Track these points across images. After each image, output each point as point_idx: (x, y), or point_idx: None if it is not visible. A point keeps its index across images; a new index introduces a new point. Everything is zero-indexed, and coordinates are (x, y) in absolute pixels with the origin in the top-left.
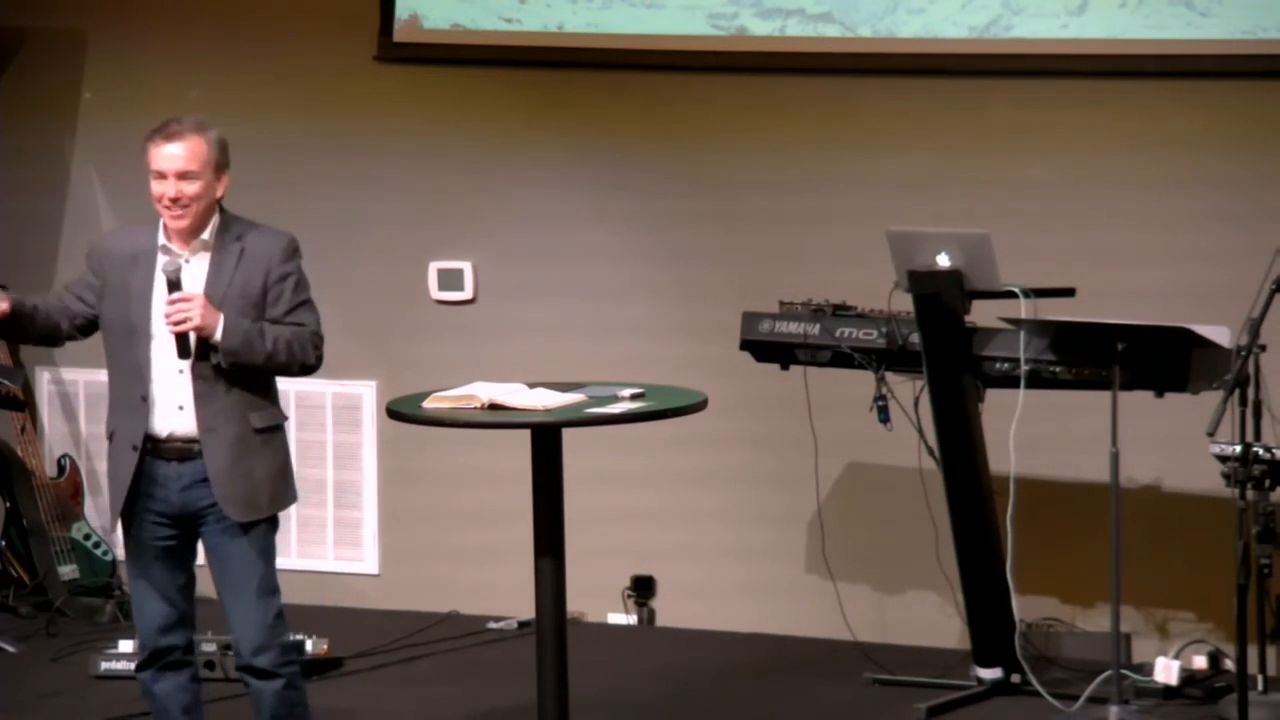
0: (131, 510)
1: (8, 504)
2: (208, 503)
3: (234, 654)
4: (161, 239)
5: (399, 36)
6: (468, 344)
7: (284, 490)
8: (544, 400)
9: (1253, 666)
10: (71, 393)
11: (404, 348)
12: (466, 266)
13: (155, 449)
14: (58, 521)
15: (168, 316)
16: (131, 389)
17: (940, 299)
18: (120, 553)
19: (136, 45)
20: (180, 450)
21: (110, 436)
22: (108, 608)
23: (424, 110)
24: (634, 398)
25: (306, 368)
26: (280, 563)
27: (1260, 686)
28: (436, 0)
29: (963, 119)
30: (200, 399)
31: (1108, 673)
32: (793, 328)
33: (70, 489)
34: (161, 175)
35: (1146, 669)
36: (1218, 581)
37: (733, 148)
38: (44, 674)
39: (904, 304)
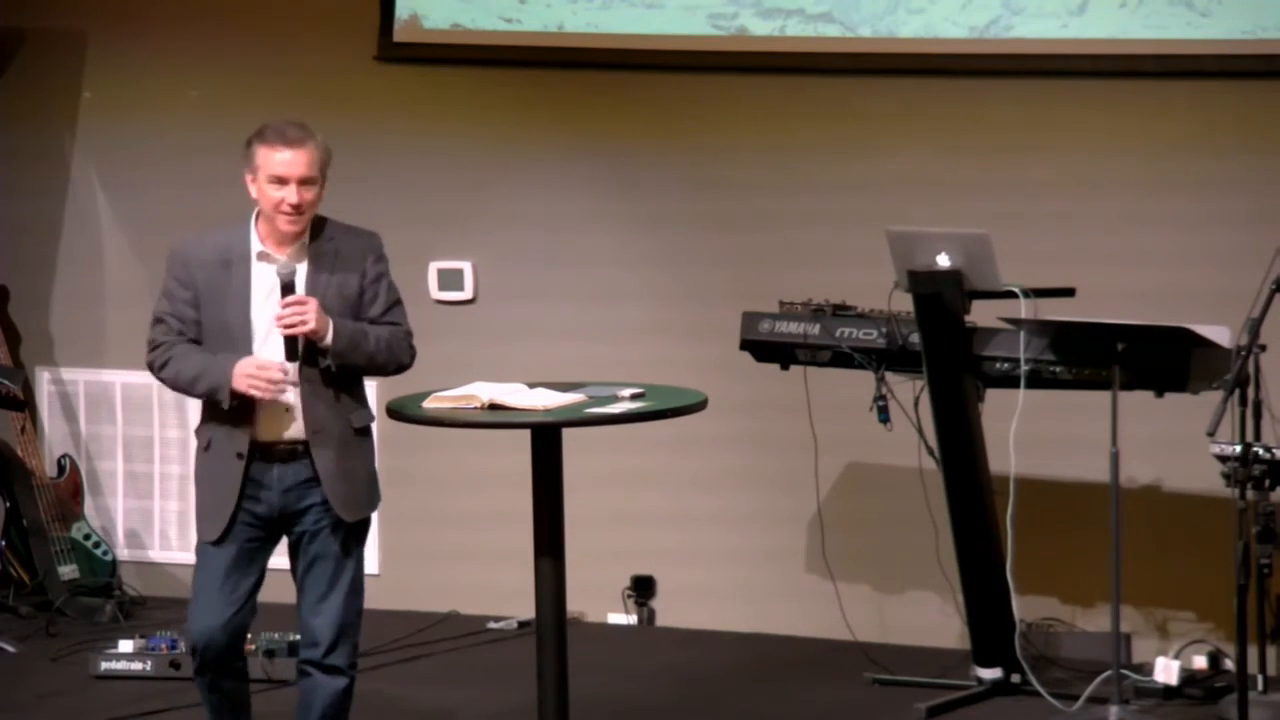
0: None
1: (8, 504)
2: (308, 503)
3: (304, 655)
4: (256, 244)
5: (399, 36)
6: (468, 344)
7: (375, 491)
8: (544, 400)
9: (1253, 666)
10: (71, 393)
11: None
12: (466, 266)
13: (261, 453)
14: (58, 521)
15: (280, 319)
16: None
17: (940, 299)
18: (121, 553)
19: (136, 45)
20: (285, 453)
21: (207, 445)
22: (108, 608)
23: (424, 110)
24: (634, 398)
25: (402, 367)
26: (279, 562)
27: (1260, 686)
28: (436, 0)
29: (963, 119)
30: (307, 401)
31: (1108, 673)
32: (793, 328)
33: (70, 489)
34: (282, 181)
35: (1146, 669)
36: (1218, 581)
37: (732, 147)
38: (44, 674)
39: (904, 304)
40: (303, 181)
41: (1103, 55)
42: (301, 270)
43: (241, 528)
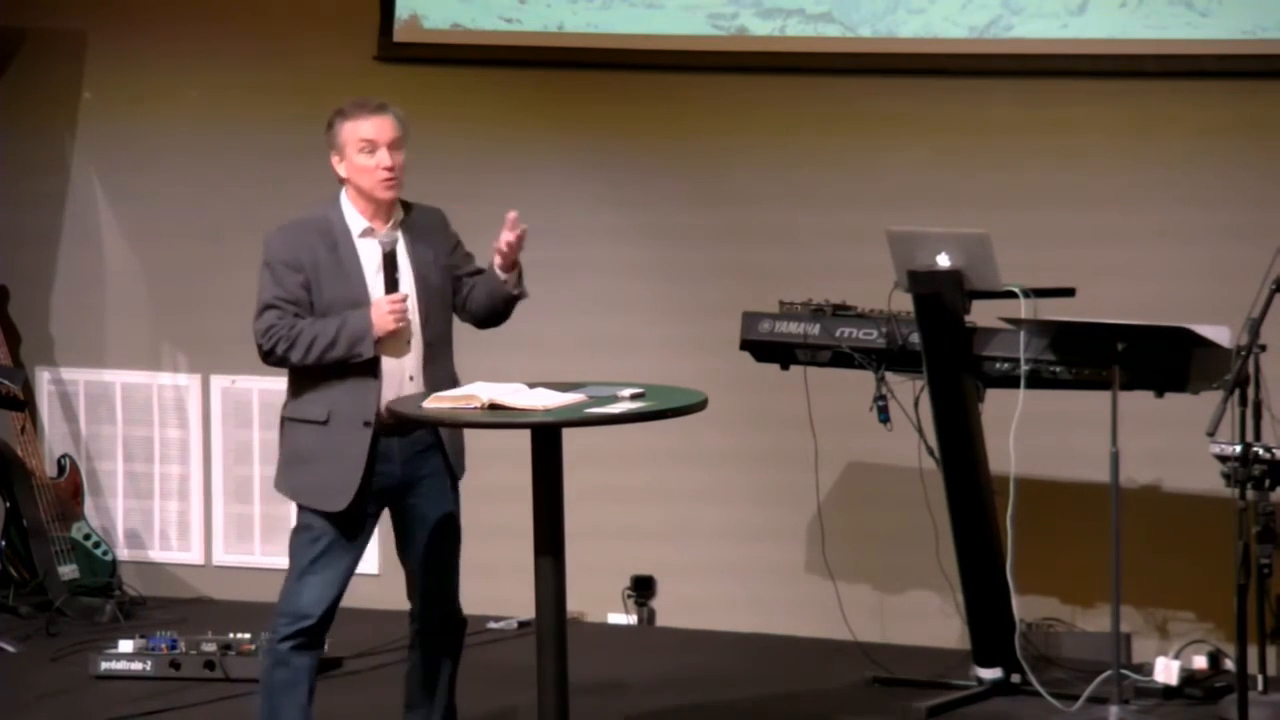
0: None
1: (8, 504)
2: (424, 472)
3: (428, 612)
4: (357, 221)
5: (399, 36)
6: (468, 345)
7: None
8: (544, 400)
9: (1253, 666)
10: (71, 393)
11: None
12: None
13: (378, 424)
14: (58, 521)
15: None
16: (358, 365)
17: (940, 299)
18: (121, 553)
19: (136, 45)
20: (402, 423)
21: (325, 418)
22: (108, 608)
23: (424, 110)
24: (634, 397)
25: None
26: (280, 562)
27: (1260, 686)
28: (436, 0)
29: (963, 119)
30: (428, 366)
31: (1108, 673)
32: (793, 327)
33: (70, 489)
34: (374, 145)
35: (1146, 669)
36: (1218, 581)
37: (732, 147)
38: (44, 674)
39: (904, 304)
40: (391, 145)
41: (1103, 55)
42: (400, 241)
43: (362, 501)
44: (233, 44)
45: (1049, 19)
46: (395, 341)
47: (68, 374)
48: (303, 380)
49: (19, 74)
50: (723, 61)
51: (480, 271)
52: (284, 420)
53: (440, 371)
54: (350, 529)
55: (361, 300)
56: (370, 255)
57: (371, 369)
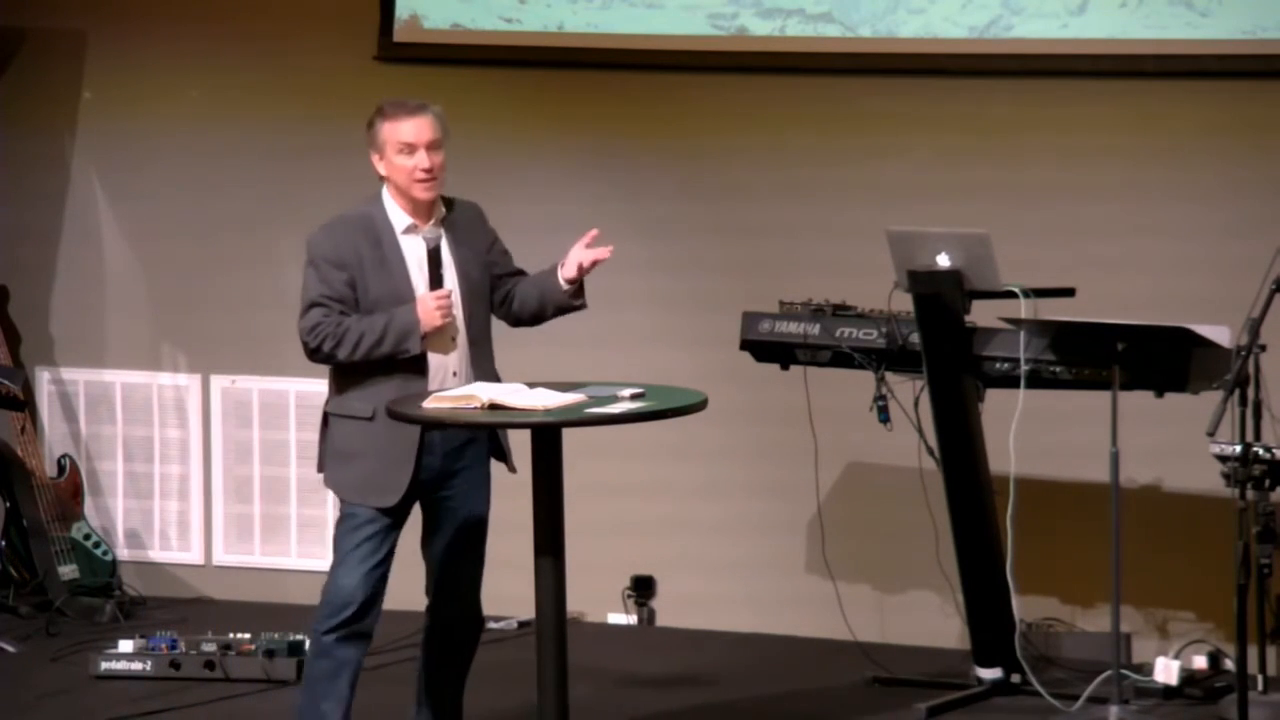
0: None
1: (8, 504)
2: (461, 465)
3: (444, 608)
4: (401, 219)
5: (399, 36)
6: None
7: None
8: (544, 400)
9: (1253, 666)
10: (71, 393)
11: None
12: None
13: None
14: (58, 521)
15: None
16: (404, 362)
17: (940, 299)
18: (121, 553)
19: (136, 45)
20: None
21: (372, 415)
22: (108, 608)
23: None
24: (634, 398)
25: None
26: (280, 562)
27: (1260, 686)
28: (436, 0)
29: (963, 119)
30: (474, 361)
31: (1108, 673)
32: (793, 327)
33: (70, 489)
34: (412, 148)
35: (1146, 669)
36: (1218, 581)
37: (732, 147)
38: (44, 674)
39: (904, 304)
40: (430, 146)
41: (1103, 55)
42: (442, 238)
43: (411, 495)
44: (233, 44)
45: (1049, 19)
46: (440, 338)
47: (68, 374)
48: (347, 376)
49: (19, 74)
50: (723, 61)
51: (519, 272)
52: (327, 415)
53: (483, 367)
54: (393, 519)
55: (406, 296)
56: (414, 252)
57: (418, 365)
